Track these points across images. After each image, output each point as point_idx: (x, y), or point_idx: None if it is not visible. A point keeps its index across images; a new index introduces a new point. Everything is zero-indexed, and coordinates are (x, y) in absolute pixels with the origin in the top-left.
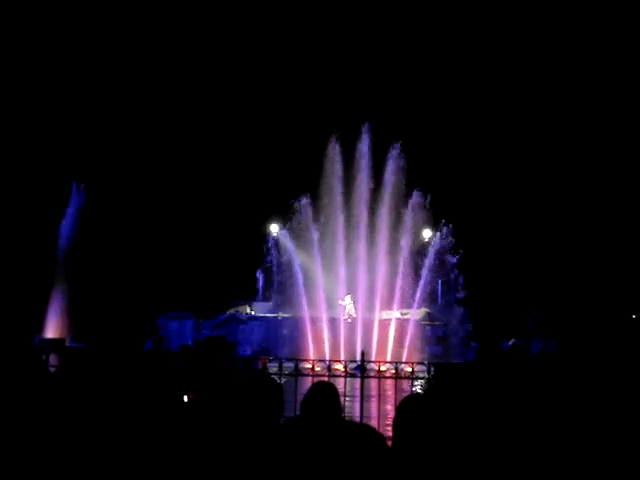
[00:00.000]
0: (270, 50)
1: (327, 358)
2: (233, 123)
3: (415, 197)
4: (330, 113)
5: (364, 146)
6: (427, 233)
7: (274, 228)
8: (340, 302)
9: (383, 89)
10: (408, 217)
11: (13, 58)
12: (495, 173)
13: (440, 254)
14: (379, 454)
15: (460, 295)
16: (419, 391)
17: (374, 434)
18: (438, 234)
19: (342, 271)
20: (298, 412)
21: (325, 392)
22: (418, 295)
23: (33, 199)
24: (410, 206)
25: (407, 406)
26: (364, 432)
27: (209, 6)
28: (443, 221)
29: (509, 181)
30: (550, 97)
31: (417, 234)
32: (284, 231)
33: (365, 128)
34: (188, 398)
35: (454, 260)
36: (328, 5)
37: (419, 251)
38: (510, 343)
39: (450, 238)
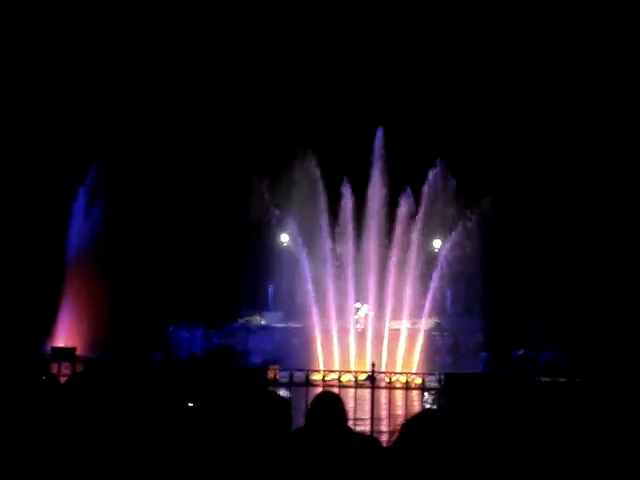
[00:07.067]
0: (272, 59)
1: (337, 368)
2: (250, 132)
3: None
4: (339, 122)
5: (377, 155)
6: (437, 243)
7: (284, 238)
8: (357, 305)
9: (394, 96)
10: (418, 227)
11: (30, 51)
12: (503, 181)
13: (450, 264)
14: (383, 467)
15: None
16: (428, 406)
17: (379, 447)
18: (448, 244)
19: (352, 281)
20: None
21: (329, 403)
22: (428, 305)
23: (39, 201)
24: (421, 215)
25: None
26: (369, 444)
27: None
28: (453, 231)
29: (517, 189)
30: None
31: (427, 244)
32: (295, 241)
33: (378, 136)
34: (193, 406)
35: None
36: (326, 11)
37: (429, 261)
38: (520, 353)
39: (460, 247)
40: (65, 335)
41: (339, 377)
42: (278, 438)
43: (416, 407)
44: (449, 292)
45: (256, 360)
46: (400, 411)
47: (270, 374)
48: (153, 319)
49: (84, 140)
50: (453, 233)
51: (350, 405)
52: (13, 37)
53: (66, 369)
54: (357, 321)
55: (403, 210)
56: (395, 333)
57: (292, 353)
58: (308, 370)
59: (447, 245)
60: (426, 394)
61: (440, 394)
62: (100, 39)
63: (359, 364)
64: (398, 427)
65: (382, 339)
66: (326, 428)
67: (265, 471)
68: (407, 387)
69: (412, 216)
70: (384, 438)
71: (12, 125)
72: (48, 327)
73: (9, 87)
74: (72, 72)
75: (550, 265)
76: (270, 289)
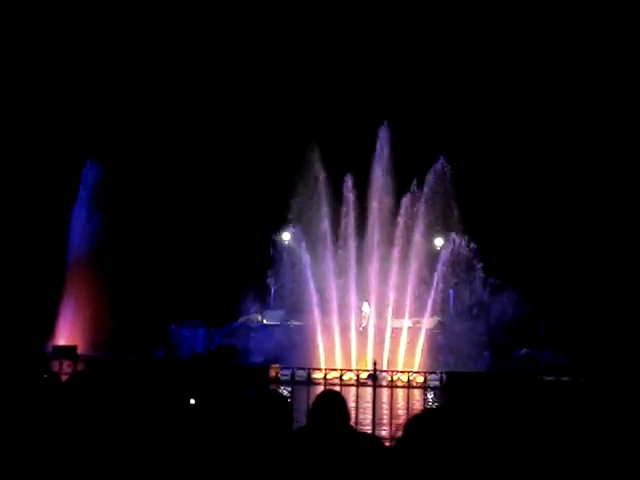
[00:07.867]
0: (280, 57)
1: (339, 367)
2: (244, 132)
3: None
4: (342, 117)
5: (378, 152)
6: (439, 241)
7: (286, 236)
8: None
9: (395, 96)
10: (420, 225)
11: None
12: (506, 180)
13: (453, 262)
14: (385, 467)
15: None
16: (430, 405)
17: (381, 446)
18: (450, 244)
19: (353, 279)
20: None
21: (332, 402)
22: (430, 304)
23: (40, 198)
24: (422, 213)
25: (419, 426)
26: (371, 443)
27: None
28: (455, 230)
29: (520, 188)
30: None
31: (430, 242)
32: (297, 239)
33: (382, 132)
34: (194, 405)
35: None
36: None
37: (431, 259)
38: (523, 352)
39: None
40: (66, 334)
41: (341, 375)
42: (279, 437)
43: (418, 406)
44: (451, 291)
45: (257, 359)
46: (402, 410)
47: (271, 373)
48: (155, 318)
49: (86, 139)
50: (455, 232)
51: (352, 404)
52: (11, 39)
53: (67, 367)
54: (363, 317)
55: (405, 208)
56: (397, 332)
57: (293, 351)
58: (310, 368)
59: (449, 244)
60: (428, 393)
61: (442, 393)
62: (100, 43)
63: (361, 363)
64: (400, 426)
65: (384, 338)
66: (328, 427)
67: (266, 470)
68: (409, 386)
69: (414, 214)
70: (386, 437)
71: (14, 125)
72: (50, 326)
73: (11, 87)
74: (72, 70)
75: (551, 265)
76: (272, 287)
